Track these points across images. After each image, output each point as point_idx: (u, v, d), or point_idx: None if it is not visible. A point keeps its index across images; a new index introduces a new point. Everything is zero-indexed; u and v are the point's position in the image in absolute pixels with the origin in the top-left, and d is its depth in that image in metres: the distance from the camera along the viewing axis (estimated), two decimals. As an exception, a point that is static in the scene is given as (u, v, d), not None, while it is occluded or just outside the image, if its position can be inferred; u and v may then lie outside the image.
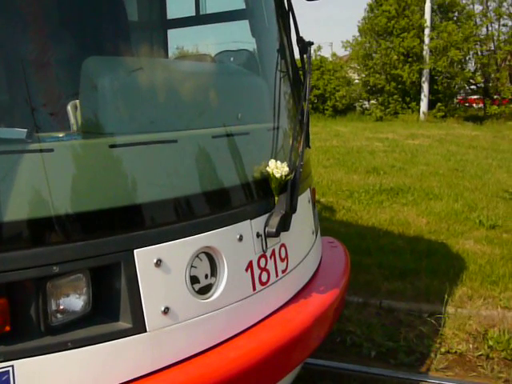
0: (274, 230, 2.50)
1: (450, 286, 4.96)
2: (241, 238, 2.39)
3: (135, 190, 2.12)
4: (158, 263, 2.06)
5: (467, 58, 26.43)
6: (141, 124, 2.29)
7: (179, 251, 2.14)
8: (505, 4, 25.87)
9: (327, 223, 6.81)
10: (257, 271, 2.47)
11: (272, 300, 2.58)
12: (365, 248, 5.97)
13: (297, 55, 3.30)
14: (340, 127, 21.35)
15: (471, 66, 27.01)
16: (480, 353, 4.02)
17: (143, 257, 2.03)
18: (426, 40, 25.34)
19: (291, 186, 2.59)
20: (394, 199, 8.49)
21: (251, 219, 2.46)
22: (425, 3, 25.17)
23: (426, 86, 25.54)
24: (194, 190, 2.30)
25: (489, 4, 26.16)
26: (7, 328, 1.81)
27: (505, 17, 25.96)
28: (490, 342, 4.07)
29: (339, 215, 7.56)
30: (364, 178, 10.20)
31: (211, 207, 2.36)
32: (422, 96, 25.70)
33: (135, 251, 2.01)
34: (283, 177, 2.56)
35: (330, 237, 3.97)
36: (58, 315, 1.92)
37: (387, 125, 22.51)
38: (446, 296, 4.64)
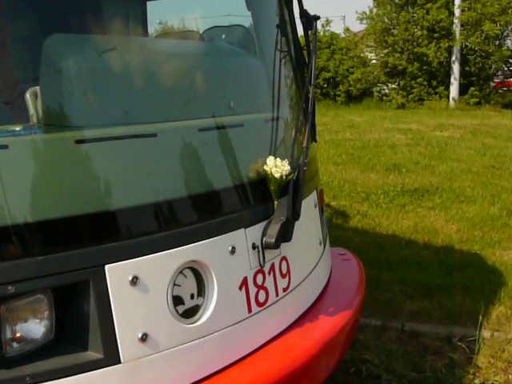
0: (274, 240, 2.50)
1: (485, 305, 4.94)
2: (233, 251, 2.39)
3: (107, 194, 2.11)
4: (134, 281, 2.05)
5: (505, 34, 26.46)
6: (114, 115, 2.30)
7: (159, 266, 2.14)
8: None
9: (338, 231, 6.79)
10: (253, 290, 2.47)
11: (271, 324, 2.58)
12: (384, 260, 5.95)
13: (300, 31, 3.30)
14: (354, 116, 21.35)
15: (510, 42, 27.06)
16: (521, 385, 4.01)
17: (116, 273, 2.02)
18: (456, 12, 25.36)
19: (293, 188, 2.59)
20: (418, 202, 8.48)
21: (246, 228, 2.46)
22: (455, -32, 25.25)
23: (456, 67, 25.55)
24: (178, 193, 2.30)
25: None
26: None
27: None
28: (533, 373, 4.07)
29: (353, 222, 7.55)
30: (383, 177, 10.19)
31: (198, 214, 2.36)
32: (452, 79, 25.71)
33: (106, 267, 2.00)
34: (284, 177, 2.56)
35: (341, 248, 3.98)
36: (14, 344, 1.91)
37: (410, 113, 22.50)
38: (481, 317, 4.64)
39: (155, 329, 2.10)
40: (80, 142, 2.09)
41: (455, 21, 25.40)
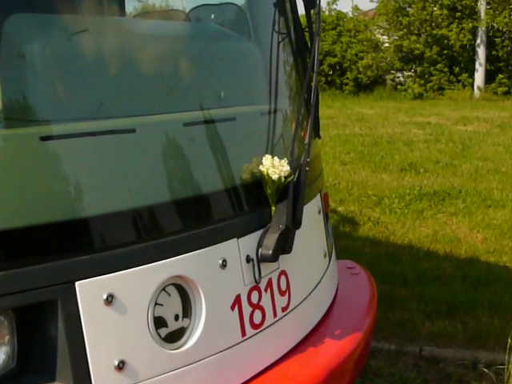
0: (271, 252, 2.49)
1: (515, 325, 4.96)
2: (224, 264, 2.38)
3: (77, 200, 2.10)
4: (109, 300, 2.04)
5: (538, 13, 26.57)
6: (85, 107, 2.28)
7: (138, 283, 2.13)
8: None
9: (346, 241, 6.80)
10: (247, 309, 2.46)
11: (268, 349, 2.58)
12: (399, 275, 5.98)
13: (302, 10, 3.31)
14: (364, 108, 21.39)
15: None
16: (558, 418, 4.02)
17: (88, 291, 2.01)
18: (482, -12, 25.46)
19: (294, 192, 2.58)
20: (438, 207, 8.50)
21: (239, 238, 2.46)
22: None
23: (481, 52, 25.64)
24: (160, 198, 2.29)
25: None
26: None
27: None
28: None
29: (363, 230, 7.56)
30: (397, 178, 10.22)
31: (183, 222, 2.35)
32: (477, 65, 25.80)
33: (77, 284, 1.99)
34: (282, 179, 2.56)
35: (349, 260, 3.98)
36: (-30, 374, 1.91)
37: (429, 105, 22.57)
38: (510, 340, 4.63)
39: (134, 355, 2.09)
40: (46, 138, 2.08)
41: (480, -2, 25.48)
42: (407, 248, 6.88)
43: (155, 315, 2.17)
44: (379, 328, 4.03)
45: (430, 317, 5.17)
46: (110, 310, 2.05)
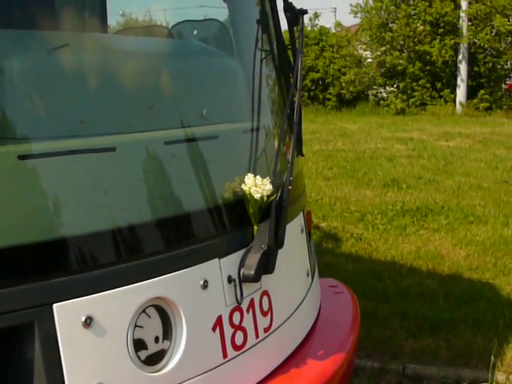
0: (253, 272, 2.48)
1: (498, 343, 4.97)
2: (205, 285, 2.36)
3: (55, 220, 2.07)
4: (88, 322, 2.01)
5: (519, 29, 26.88)
6: (65, 125, 2.26)
7: (118, 305, 2.10)
8: None
9: (329, 257, 6.81)
10: (228, 331, 2.44)
11: (251, 371, 2.56)
12: (381, 292, 5.98)
13: (285, 27, 3.31)
14: (347, 124, 21.52)
15: (525, 39, 27.49)
16: None
17: (66, 314, 1.98)
18: (463, 5, 25.71)
19: (276, 211, 2.57)
20: (421, 223, 8.54)
21: (220, 258, 2.44)
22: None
23: (463, 68, 25.89)
24: (140, 218, 2.27)
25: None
26: None
27: None
28: (555, 423, 4.07)
29: (346, 246, 7.57)
30: (380, 194, 10.26)
31: (164, 242, 2.33)
32: (459, 81, 26.04)
33: (55, 306, 1.96)
34: (265, 198, 2.54)
35: (332, 278, 3.97)
36: None
37: (411, 120, 22.73)
38: (493, 358, 4.65)
39: (113, 379, 2.06)
40: (24, 157, 2.05)
41: (462, 15, 25.77)
42: (390, 264, 6.90)
43: (135, 337, 2.14)
44: (362, 345, 4.02)
45: (413, 334, 5.18)
46: (89, 332, 2.01)
